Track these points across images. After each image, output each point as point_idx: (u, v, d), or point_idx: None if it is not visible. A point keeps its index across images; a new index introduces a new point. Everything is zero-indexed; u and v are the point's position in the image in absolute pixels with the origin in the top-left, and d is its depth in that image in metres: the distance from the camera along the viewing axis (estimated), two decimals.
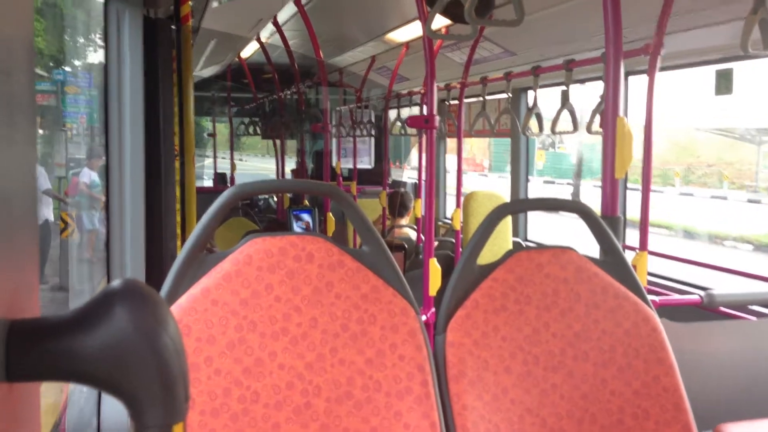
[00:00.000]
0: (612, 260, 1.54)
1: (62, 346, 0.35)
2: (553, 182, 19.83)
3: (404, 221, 4.72)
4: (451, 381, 1.37)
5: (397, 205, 4.62)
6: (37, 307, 0.41)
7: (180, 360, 0.37)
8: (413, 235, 4.77)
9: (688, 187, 18.75)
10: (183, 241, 2.54)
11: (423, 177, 4.55)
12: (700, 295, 2.20)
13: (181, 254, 1.28)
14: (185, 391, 0.38)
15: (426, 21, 2.15)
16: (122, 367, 0.36)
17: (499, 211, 1.52)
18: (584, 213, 1.54)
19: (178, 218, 2.51)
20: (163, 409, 0.36)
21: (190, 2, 2.66)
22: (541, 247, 1.54)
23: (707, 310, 2.36)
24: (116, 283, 0.37)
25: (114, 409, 1.37)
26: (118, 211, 1.98)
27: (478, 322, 1.42)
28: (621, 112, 2.01)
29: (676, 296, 2.52)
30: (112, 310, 0.36)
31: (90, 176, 3.61)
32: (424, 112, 2.53)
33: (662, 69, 2.39)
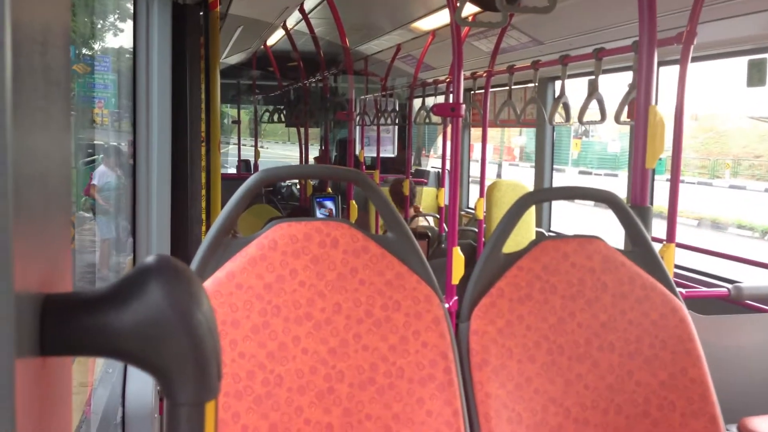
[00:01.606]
0: (640, 250, 1.52)
1: (96, 321, 0.35)
2: (589, 173, 19.36)
3: (412, 210, 4.77)
4: (474, 369, 1.36)
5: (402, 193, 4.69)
6: (71, 283, 0.41)
7: (213, 337, 0.37)
8: (423, 222, 4.80)
9: (738, 180, 18.26)
10: (207, 226, 2.56)
11: (447, 166, 4.52)
12: (727, 288, 2.16)
13: (207, 238, 1.29)
14: (218, 368, 0.38)
15: (456, 8, 2.13)
16: (156, 344, 0.36)
17: (525, 199, 1.51)
18: (612, 202, 1.52)
19: (203, 204, 2.53)
20: (196, 386, 0.36)
21: None
22: (566, 236, 1.52)
23: (735, 303, 2.32)
24: (150, 258, 0.37)
25: (138, 389, 1.39)
26: (145, 196, 2.00)
27: (502, 311, 1.41)
28: (652, 102, 1.98)
29: (704, 289, 2.49)
30: (147, 285, 0.36)
31: (105, 177, 3.08)
32: (450, 100, 2.51)
33: (694, 59, 2.35)
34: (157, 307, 0.35)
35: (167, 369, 0.36)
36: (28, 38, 0.32)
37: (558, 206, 5.05)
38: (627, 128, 2.92)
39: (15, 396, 0.29)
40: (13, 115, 0.29)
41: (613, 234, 1.64)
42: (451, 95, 2.41)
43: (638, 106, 1.95)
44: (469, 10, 2.96)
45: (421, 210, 4.99)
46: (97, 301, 0.36)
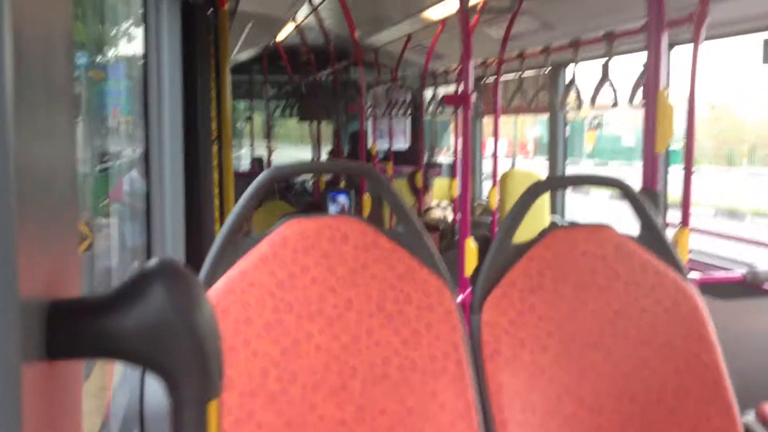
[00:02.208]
0: (651, 236, 1.51)
1: (101, 325, 0.36)
2: (605, 163, 19.17)
3: (428, 198, 4.80)
4: (486, 360, 1.37)
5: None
6: (78, 287, 0.42)
7: (214, 338, 0.38)
8: (439, 213, 4.80)
9: (755, 168, 18.02)
10: (221, 224, 2.58)
11: (459, 156, 4.52)
12: (743, 273, 2.15)
13: (219, 237, 1.30)
14: (219, 368, 0.39)
15: None
16: (159, 345, 0.37)
17: (535, 188, 1.51)
18: (622, 188, 1.51)
19: (217, 202, 2.55)
20: (198, 386, 0.38)
21: None
22: (577, 224, 1.52)
23: (751, 287, 2.30)
24: (152, 262, 0.38)
25: (157, 391, 1.41)
26: (158, 195, 2.02)
27: (514, 301, 1.42)
28: (663, 85, 1.96)
29: (720, 273, 2.47)
30: (149, 289, 0.37)
31: (135, 183, 2.90)
32: (460, 90, 2.51)
33: (707, 38, 2.32)
34: (159, 310, 0.37)
35: (171, 369, 0.37)
36: (31, 53, 0.33)
37: (576, 199, 5.03)
38: (641, 121, 2.89)
39: (22, 400, 0.30)
40: (16, 126, 0.30)
41: (630, 225, 1.63)
42: (461, 85, 2.41)
43: (648, 90, 1.94)
44: None
45: (432, 199, 5.03)
46: (101, 305, 0.37)
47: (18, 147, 0.30)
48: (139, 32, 2.18)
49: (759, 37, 2.98)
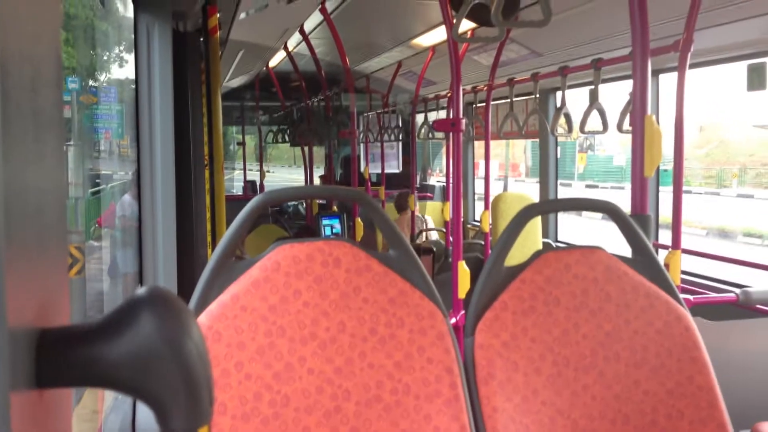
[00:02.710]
0: (642, 259, 1.52)
1: (90, 353, 0.36)
2: (596, 186, 19.27)
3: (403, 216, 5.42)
4: (480, 383, 1.36)
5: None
6: (67, 315, 0.42)
7: (204, 365, 0.38)
8: (428, 233, 4.98)
9: (745, 189, 18.12)
10: (213, 248, 2.58)
11: (451, 180, 4.54)
12: (736, 293, 2.15)
13: (211, 262, 1.30)
14: (209, 396, 0.39)
15: (452, 26, 2.15)
16: (148, 373, 0.37)
17: (526, 211, 1.51)
18: (612, 212, 1.52)
19: (209, 226, 2.55)
20: (187, 414, 0.37)
21: (218, 15, 2.70)
22: (569, 247, 1.53)
23: (744, 308, 2.31)
24: (141, 290, 0.38)
25: (149, 415, 1.39)
26: (150, 220, 2.02)
27: (506, 324, 1.42)
28: (649, 110, 1.98)
29: (712, 294, 2.47)
30: (138, 317, 0.37)
31: (131, 207, 2.72)
32: (451, 115, 2.53)
33: (693, 66, 2.36)
34: (148, 338, 0.36)
35: (160, 397, 0.37)
36: (18, 86, 0.33)
37: (568, 220, 5.07)
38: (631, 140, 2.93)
39: (11, 429, 0.30)
40: (4, 154, 0.30)
41: (621, 246, 1.64)
42: (452, 110, 2.43)
43: (635, 116, 1.96)
44: (467, 25, 2.99)
45: (417, 212, 5.30)
46: (90, 333, 0.37)
47: (6, 174, 0.31)
48: (131, 57, 2.19)
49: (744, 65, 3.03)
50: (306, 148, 6.47)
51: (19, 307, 0.33)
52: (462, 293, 2.32)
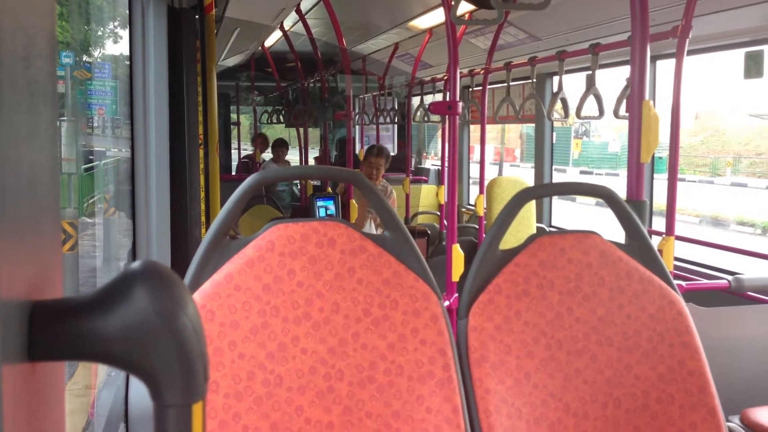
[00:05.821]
0: (637, 244, 1.52)
1: (83, 327, 0.36)
2: (590, 173, 19.32)
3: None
4: (473, 365, 1.37)
5: None
6: (60, 289, 0.42)
7: (199, 340, 0.38)
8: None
9: (739, 177, 18.16)
10: (207, 228, 2.57)
11: (446, 163, 4.53)
12: (728, 280, 2.17)
13: (205, 240, 1.29)
14: (204, 370, 0.38)
15: (450, 7, 2.13)
16: (142, 347, 0.36)
17: (521, 195, 1.51)
18: (608, 197, 1.52)
19: (203, 206, 2.54)
20: (182, 388, 0.37)
21: None
22: (563, 231, 1.53)
23: (736, 294, 2.32)
24: (135, 264, 0.38)
25: (142, 391, 1.40)
26: (144, 199, 2.01)
27: (500, 307, 1.42)
28: (647, 96, 1.98)
29: (705, 281, 2.49)
30: (132, 290, 0.36)
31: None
32: (447, 98, 2.51)
33: (691, 52, 2.35)
34: (142, 312, 0.36)
35: (154, 372, 0.37)
36: (11, 54, 0.32)
37: (562, 206, 5.07)
38: (627, 127, 2.93)
39: (3, 401, 0.30)
40: None
41: (616, 232, 1.64)
42: (448, 93, 2.42)
43: (632, 101, 1.95)
44: (465, 8, 2.97)
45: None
46: (84, 306, 0.37)
47: None
48: (126, 33, 2.17)
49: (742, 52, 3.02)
50: (301, 130, 6.44)
51: (12, 280, 0.32)
52: (456, 276, 2.32)
